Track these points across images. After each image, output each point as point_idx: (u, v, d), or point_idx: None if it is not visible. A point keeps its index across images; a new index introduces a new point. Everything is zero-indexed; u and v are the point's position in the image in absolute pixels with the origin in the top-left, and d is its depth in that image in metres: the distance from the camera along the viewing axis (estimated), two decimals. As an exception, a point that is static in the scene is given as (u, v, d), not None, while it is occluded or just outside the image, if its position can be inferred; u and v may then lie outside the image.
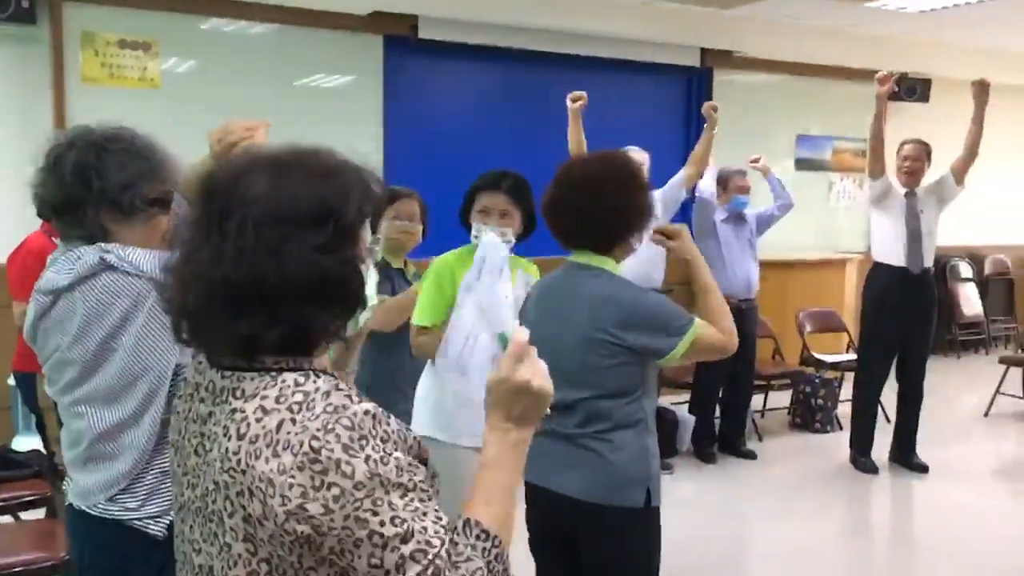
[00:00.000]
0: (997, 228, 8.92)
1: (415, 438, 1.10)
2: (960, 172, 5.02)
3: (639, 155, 4.88)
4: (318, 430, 1.03)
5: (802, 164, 7.91)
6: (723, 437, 5.38)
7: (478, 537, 1.08)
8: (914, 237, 4.97)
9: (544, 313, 2.24)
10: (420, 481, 1.05)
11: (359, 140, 5.98)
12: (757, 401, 6.15)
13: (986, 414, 6.41)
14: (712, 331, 2.15)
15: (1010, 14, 6.65)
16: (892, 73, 4.82)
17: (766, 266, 6.58)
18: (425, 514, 1.03)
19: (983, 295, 8.77)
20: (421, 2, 5.94)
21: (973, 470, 5.36)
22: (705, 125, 4.84)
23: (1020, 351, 6.82)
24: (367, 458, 1.02)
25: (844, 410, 5.72)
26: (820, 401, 5.92)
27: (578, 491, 2.15)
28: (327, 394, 1.07)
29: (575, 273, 2.21)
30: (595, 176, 2.17)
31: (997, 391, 6.38)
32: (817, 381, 5.96)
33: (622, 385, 2.13)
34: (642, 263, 4.44)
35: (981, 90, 4.86)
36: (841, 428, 5.80)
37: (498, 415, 1.16)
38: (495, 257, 1.15)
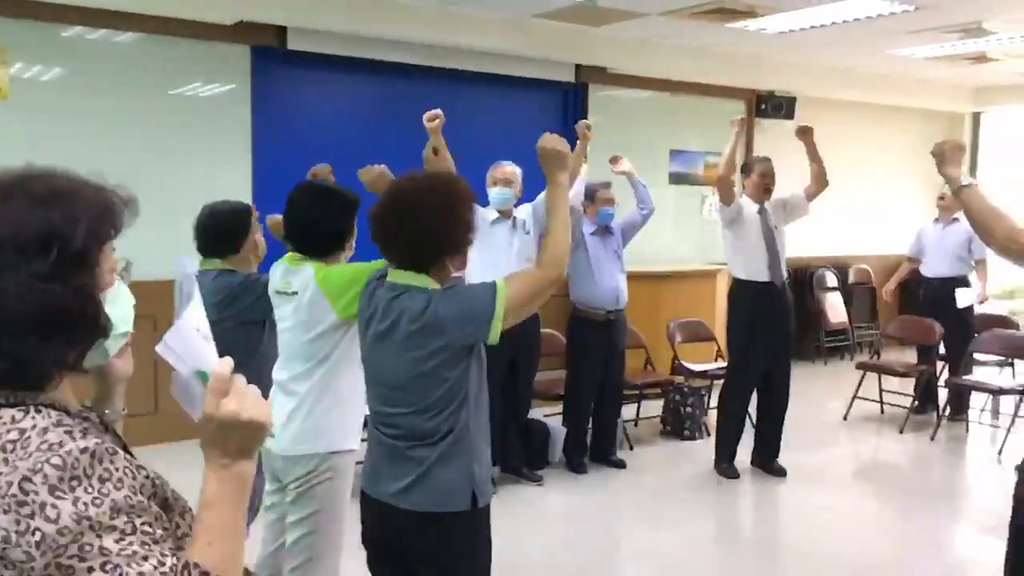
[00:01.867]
0: (859, 239, 9.39)
1: (149, 476, 1.05)
2: (812, 197, 5.28)
3: (512, 169, 4.95)
4: (28, 470, 0.98)
5: (675, 178, 8.14)
6: (594, 447, 5.47)
7: None
8: (773, 252, 5.18)
9: (368, 328, 2.25)
10: (144, 523, 1.01)
11: (228, 151, 5.87)
12: (631, 411, 6.28)
13: (845, 418, 6.71)
14: (520, 282, 2.17)
15: (862, 36, 7.01)
16: (744, 119, 5.31)
17: (640, 278, 6.75)
18: (145, 558, 0.99)
19: (848, 303, 9.20)
20: (289, 13, 5.85)
21: (831, 473, 5.60)
22: (578, 142, 4.94)
23: (876, 357, 7.16)
24: (76, 500, 0.97)
25: (713, 417, 5.90)
26: (689, 409, 6.09)
27: (406, 501, 2.18)
28: (44, 431, 1.02)
29: (393, 291, 2.20)
30: (414, 198, 2.18)
31: (855, 396, 6.70)
32: (686, 390, 6.12)
33: (444, 396, 2.16)
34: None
35: (804, 134, 5.15)
36: (709, 434, 5.97)
37: (215, 452, 1.12)
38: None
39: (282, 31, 5.90)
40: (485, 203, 4.87)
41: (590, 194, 5.31)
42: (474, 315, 2.12)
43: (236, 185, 5.66)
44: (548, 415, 5.57)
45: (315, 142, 6.16)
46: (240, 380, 1.12)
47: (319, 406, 2.61)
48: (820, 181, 5.22)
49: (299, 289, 2.63)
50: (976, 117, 10.30)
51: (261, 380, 2.67)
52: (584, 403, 5.39)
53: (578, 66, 7.17)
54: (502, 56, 6.74)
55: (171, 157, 5.64)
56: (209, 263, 3.05)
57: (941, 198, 6.73)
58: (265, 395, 2.81)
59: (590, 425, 5.48)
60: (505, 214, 4.90)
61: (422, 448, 2.17)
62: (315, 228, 2.69)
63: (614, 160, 5.51)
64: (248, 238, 3.10)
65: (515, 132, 6.91)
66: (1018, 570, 2.67)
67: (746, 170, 5.30)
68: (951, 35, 6.92)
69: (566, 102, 7.30)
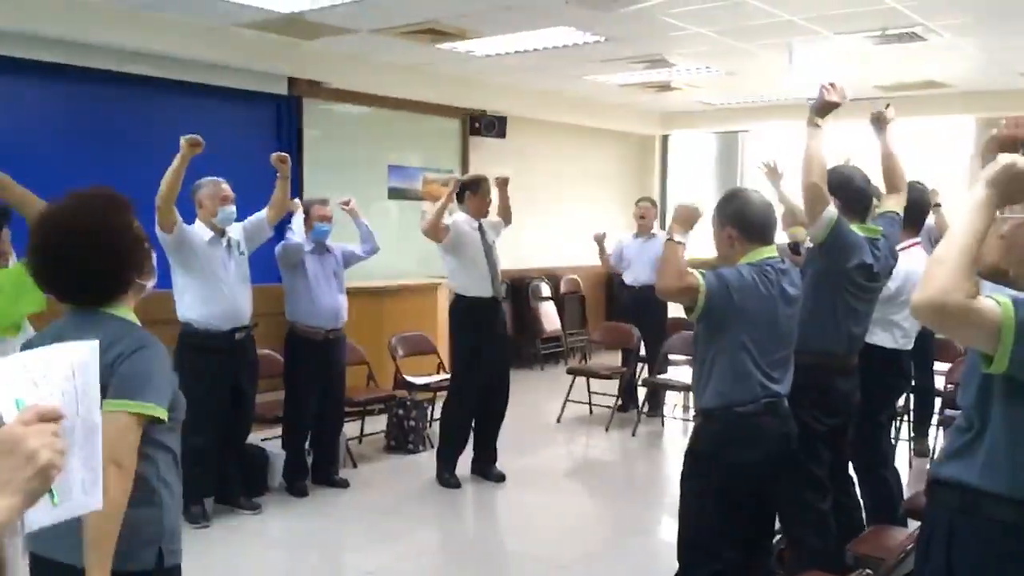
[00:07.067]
0: (569, 251, 10.01)
1: None
2: (506, 217, 5.63)
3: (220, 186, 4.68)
4: None
5: (395, 193, 8.21)
6: (316, 468, 5.35)
7: None
8: (493, 267, 5.38)
9: None
10: None
11: None
12: (355, 428, 6.23)
13: (559, 420, 7.11)
14: None
15: (561, 63, 7.49)
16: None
17: (362, 293, 6.72)
18: None
19: (560, 312, 9.77)
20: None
21: (546, 474, 5.90)
22: (278, 178, 4.81)
23: (585, 361, 7.66)
24: None
25: (436, 429, 5.99)
26: (412, 422, 6.15)
27: (82, 559, 1.93)
28: None
29: (76, 326, 1.94)
30: (72, 216, 1.95)
31: (567, 399, 7.12)
32: (409, 403, 6.18)
33: None
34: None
35: (502, 185, 5.53)
36: (433, 446, 6.05)
37: None
38: None
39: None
40: (190, 221, 4.62)
41: (305, 210, 5.23)
42: None
43: None
44: (266, 439, 5.38)
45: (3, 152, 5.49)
46: (53, 425, 1.01)
47: None
48: (506, 220, 5.62)
49: None
50: (664, 139, 11.39)
51: None
52: (303, 425, 5.26)
53: (291, 79, 7.02)
54: (210, 65, 6.44)
55: None
56: None
57: (642, 217, 7.33)
58: None
59: (309, 446, 5.36)
60: (220, 233, 4.66)
61: None
62: None
63: (346, 202, 5.45)
64: None
65: (228, 144, 6.62)
66: None
67: (473, 187, 5.43)
68: (638, 65, 7.59)
69: (279, 115, 7.11)
